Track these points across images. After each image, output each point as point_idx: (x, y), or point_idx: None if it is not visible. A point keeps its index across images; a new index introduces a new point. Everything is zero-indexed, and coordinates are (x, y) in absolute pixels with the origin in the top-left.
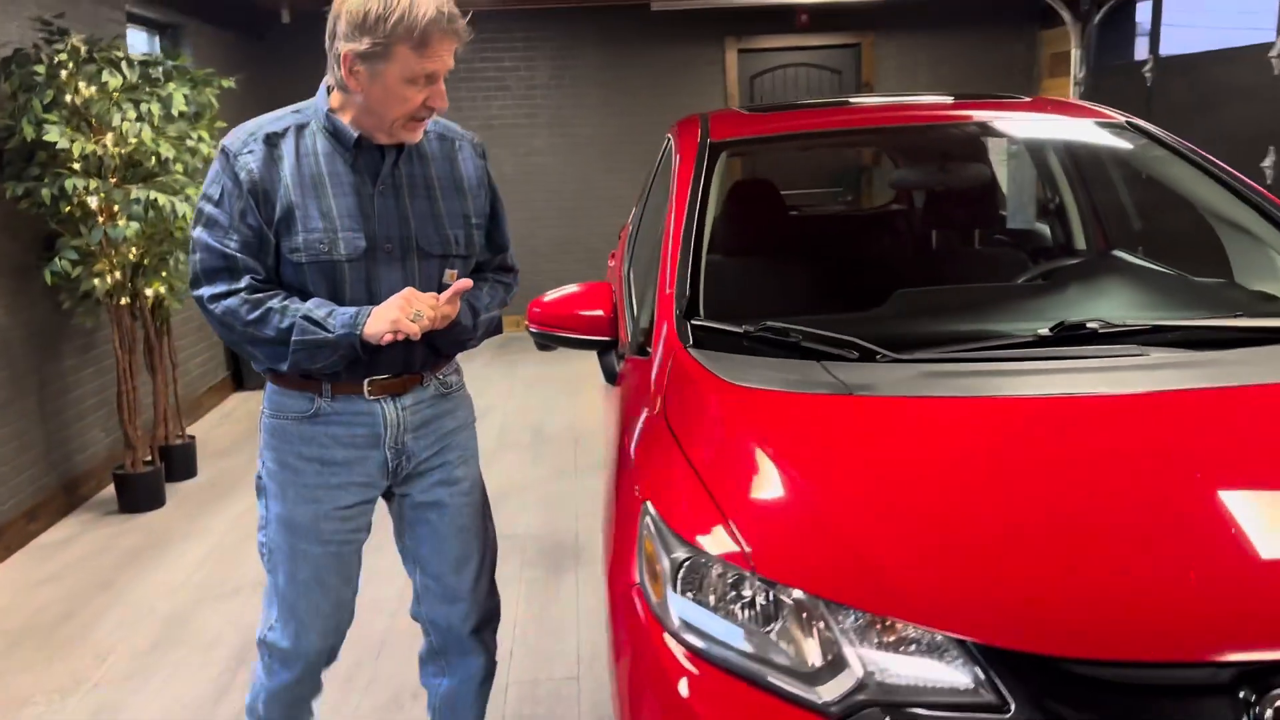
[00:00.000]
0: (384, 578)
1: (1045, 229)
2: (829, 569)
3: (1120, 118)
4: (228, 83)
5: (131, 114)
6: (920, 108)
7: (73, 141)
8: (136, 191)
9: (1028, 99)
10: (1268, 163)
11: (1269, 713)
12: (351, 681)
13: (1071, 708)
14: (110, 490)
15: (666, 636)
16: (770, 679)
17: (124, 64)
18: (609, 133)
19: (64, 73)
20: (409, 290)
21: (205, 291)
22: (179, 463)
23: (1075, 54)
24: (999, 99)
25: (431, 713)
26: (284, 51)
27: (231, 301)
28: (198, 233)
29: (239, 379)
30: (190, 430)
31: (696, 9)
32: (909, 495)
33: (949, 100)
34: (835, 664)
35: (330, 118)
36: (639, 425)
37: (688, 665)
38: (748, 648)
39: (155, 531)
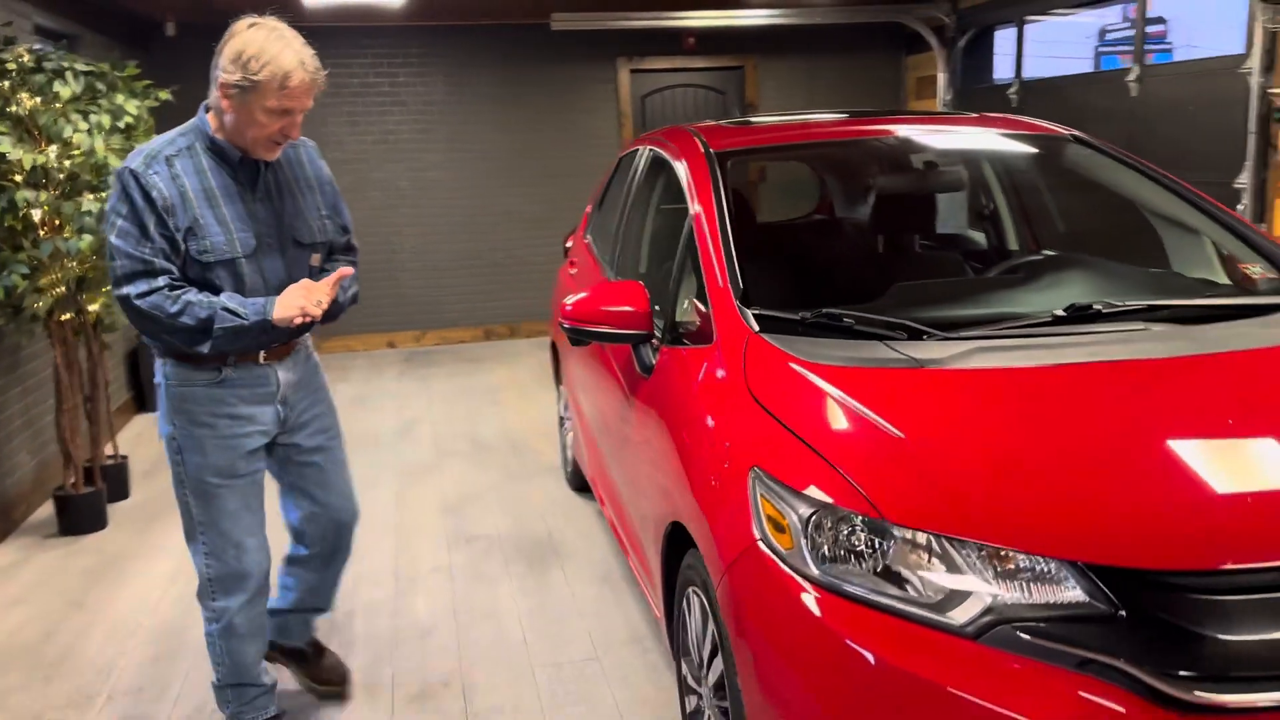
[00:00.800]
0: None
1: (979, 234)
2: (948, 510)
3: (1065, 131)
4: (165, 95)
5: (83, 125)
6: (888, 122)
7: (24, 153)
8: (88, 204)
9: (974, 115)
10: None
11: None
12: (377, 680)
13: (1167, 611)
14: (44, 512)
15: (804, 583)
16: (909, 609)
17: (69, 74)
18: (507, 149)
19: (6, 82)
20: (305, 282)
21: (129, 290)
22: (114, 484)
23: (942, 77)
24: (950, 115)
25: (284, 593)
26: (168, 64)
27: (155, 298)
28: (116, 241)
29: (140, 401)
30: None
31: (592, 29)
32: (1000, 445)
33: (907, 116)
34: (962, 592)
35: (214, 140)
36: (714, 405)
37: (830, 606)
38: (885, 585)
39: (108, 552)
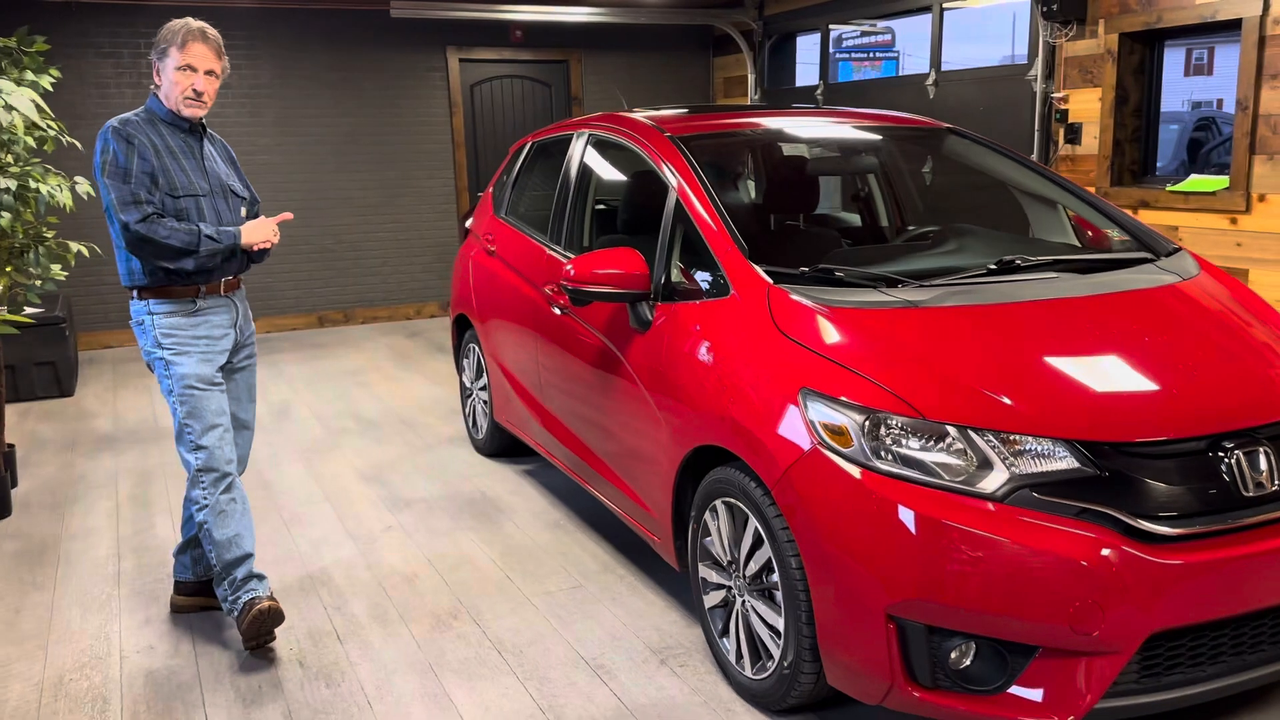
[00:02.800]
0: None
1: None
2: (969, 408)
3: (943, 125)
4: (55, 72)
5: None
6: (808, 114)
7: None
8: (3, 180)
9: (871, 110)
10: (926, 168)
11: (1232, 461)
12: (385, 617)
13: (1134, 471)
14: None
15: (867, 471)
16: (950, 482)
17: None
18: (339, 133)
19: None
20: (265, 218)
21: (125, 218)
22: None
23: (751, 77)
24: (854, 111)
25: (194, 527)
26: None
27: (147, 224)
28: (107, 181)
29: None
30: None
31: (423, 18)
32: (994, 359)
33: (821, 110)
34: (987, 467)
35: (170, 113)
36: (745, 345)
37: (889, 486)
38: (930, 465)
39: (30, 536)
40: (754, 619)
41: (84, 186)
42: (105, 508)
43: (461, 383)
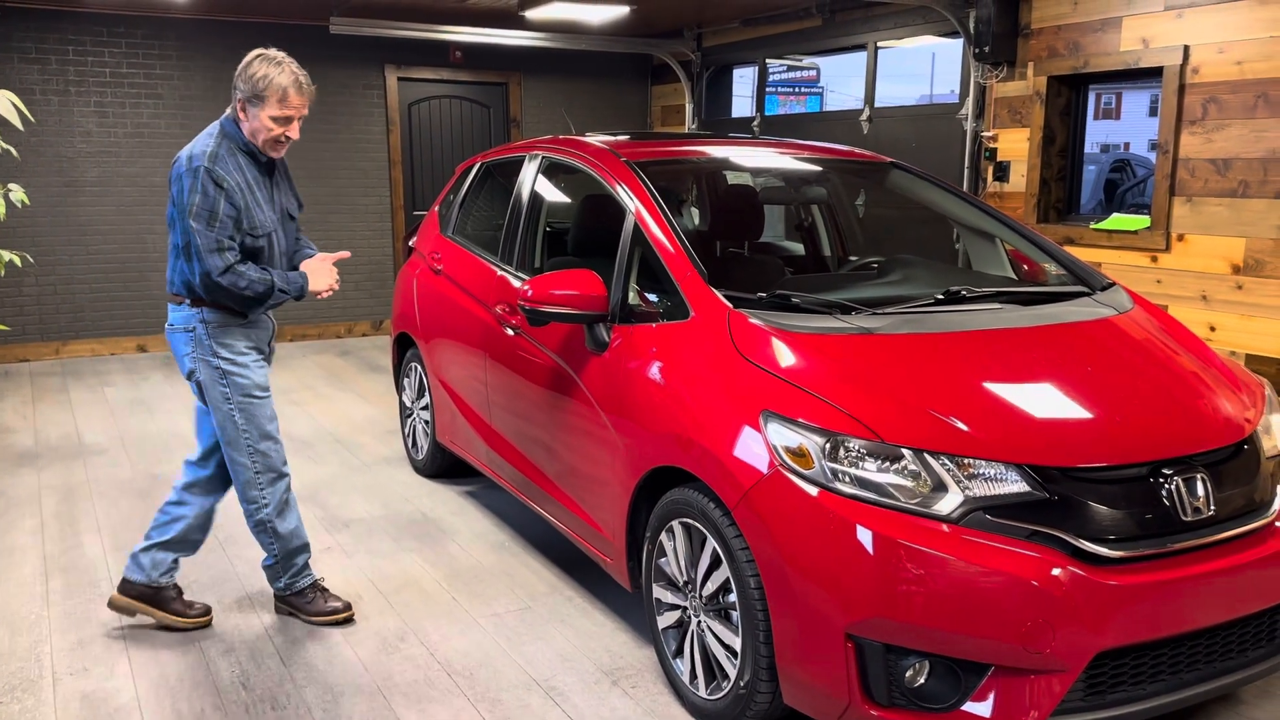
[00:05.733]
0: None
1: (797, 243)
2: (926, 432)
3: (887, 159)
4: None
5: None
6: (757, 144)
7: None
8: None
9: (818, 143)
10: (860, 201)
11: (1171, 486)
12: (328, 638)
13: (1081, 495)
14: None
15: (825, 492)
16: (906, 503)
17: None
18: None
19: None
20: (323, 256)
21: (210, 265)
22: None
23: (689, 107)
24: (802, 144)
25: (172, 525)
26: None
27: (228, 276)
28: (192, 222)
29: None
30: None
31: (362, 35)
32: (948, 386)
33: (770, 140)
34: (941, 490)
35: (247, 143)
36: (706, 367)
37: (847, 507)
38: (887, 486)
39: None
40: (710, 639)
41: (18, 194)
42: (29, 525)
43: (401, 402)
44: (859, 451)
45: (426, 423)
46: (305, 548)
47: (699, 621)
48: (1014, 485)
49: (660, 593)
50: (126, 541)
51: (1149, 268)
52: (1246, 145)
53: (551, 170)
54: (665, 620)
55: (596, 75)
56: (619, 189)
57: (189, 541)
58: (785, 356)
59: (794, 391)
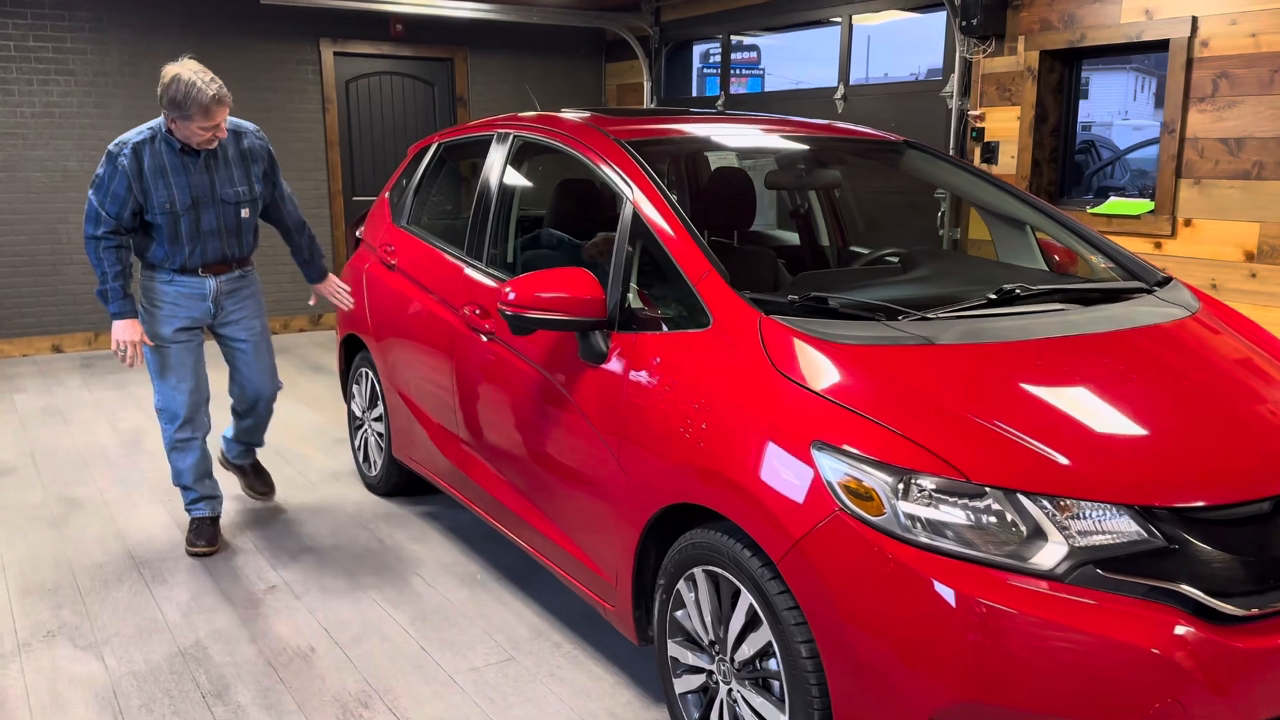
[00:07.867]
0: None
1: (792, 233)
2: (1020, 468)
3: (899, 139)
4: None
5: None
6: (753, 122)
7: None
8: None
9: (820, 121)
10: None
11: None
12: (278, 707)
13: (1203, 541)
14: None
15: (902, 544)
16: (998, 558)
17: None
18: None
19: None
20: (120, 327)
21: (87, 228)
22: None
23: (647, 85)
24: (803, 121)
25: (231, 428)
26: None
27: (92, 245)
28: (90, 191)
29: None
30: None
31: (295, 6)
32: (1036, 409)
33: (769, 117)
34: (1040, 538)
35: (168, 136)
36: (734, 386)
37: (929, 563)
38: (973, 537)
39: None
40: (745, 711)
41: None
42: None
43: (350, 411)
44: (939, 493)
45: (380, 435)
46: (200, 497)
47: (730, 689)
48: (1126, 531)
49: (678, 651)
50: (35, 584)
51: (1152, 255)
52: (1262, 123)
53: (525, 151)
54: (684, 684)
55: (548, 51)
56: (610, 172)
57: (241, 442)
58: (835, 374)
59: (851, 417)
